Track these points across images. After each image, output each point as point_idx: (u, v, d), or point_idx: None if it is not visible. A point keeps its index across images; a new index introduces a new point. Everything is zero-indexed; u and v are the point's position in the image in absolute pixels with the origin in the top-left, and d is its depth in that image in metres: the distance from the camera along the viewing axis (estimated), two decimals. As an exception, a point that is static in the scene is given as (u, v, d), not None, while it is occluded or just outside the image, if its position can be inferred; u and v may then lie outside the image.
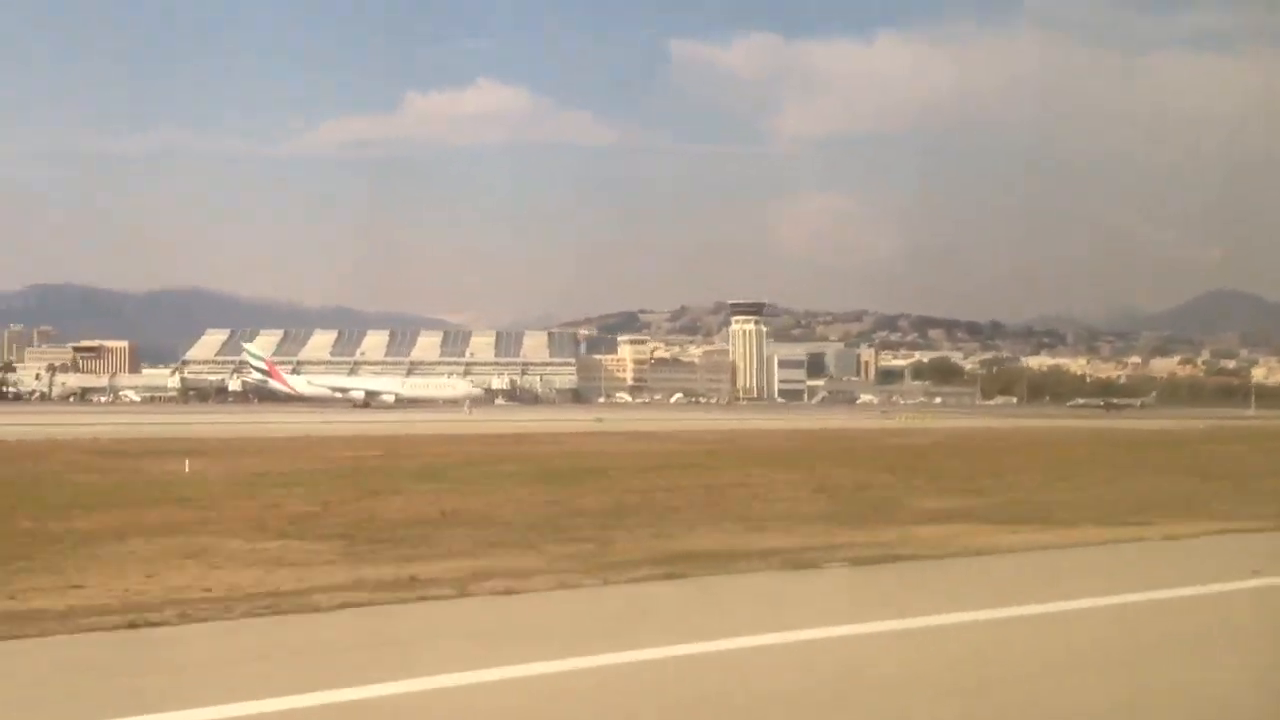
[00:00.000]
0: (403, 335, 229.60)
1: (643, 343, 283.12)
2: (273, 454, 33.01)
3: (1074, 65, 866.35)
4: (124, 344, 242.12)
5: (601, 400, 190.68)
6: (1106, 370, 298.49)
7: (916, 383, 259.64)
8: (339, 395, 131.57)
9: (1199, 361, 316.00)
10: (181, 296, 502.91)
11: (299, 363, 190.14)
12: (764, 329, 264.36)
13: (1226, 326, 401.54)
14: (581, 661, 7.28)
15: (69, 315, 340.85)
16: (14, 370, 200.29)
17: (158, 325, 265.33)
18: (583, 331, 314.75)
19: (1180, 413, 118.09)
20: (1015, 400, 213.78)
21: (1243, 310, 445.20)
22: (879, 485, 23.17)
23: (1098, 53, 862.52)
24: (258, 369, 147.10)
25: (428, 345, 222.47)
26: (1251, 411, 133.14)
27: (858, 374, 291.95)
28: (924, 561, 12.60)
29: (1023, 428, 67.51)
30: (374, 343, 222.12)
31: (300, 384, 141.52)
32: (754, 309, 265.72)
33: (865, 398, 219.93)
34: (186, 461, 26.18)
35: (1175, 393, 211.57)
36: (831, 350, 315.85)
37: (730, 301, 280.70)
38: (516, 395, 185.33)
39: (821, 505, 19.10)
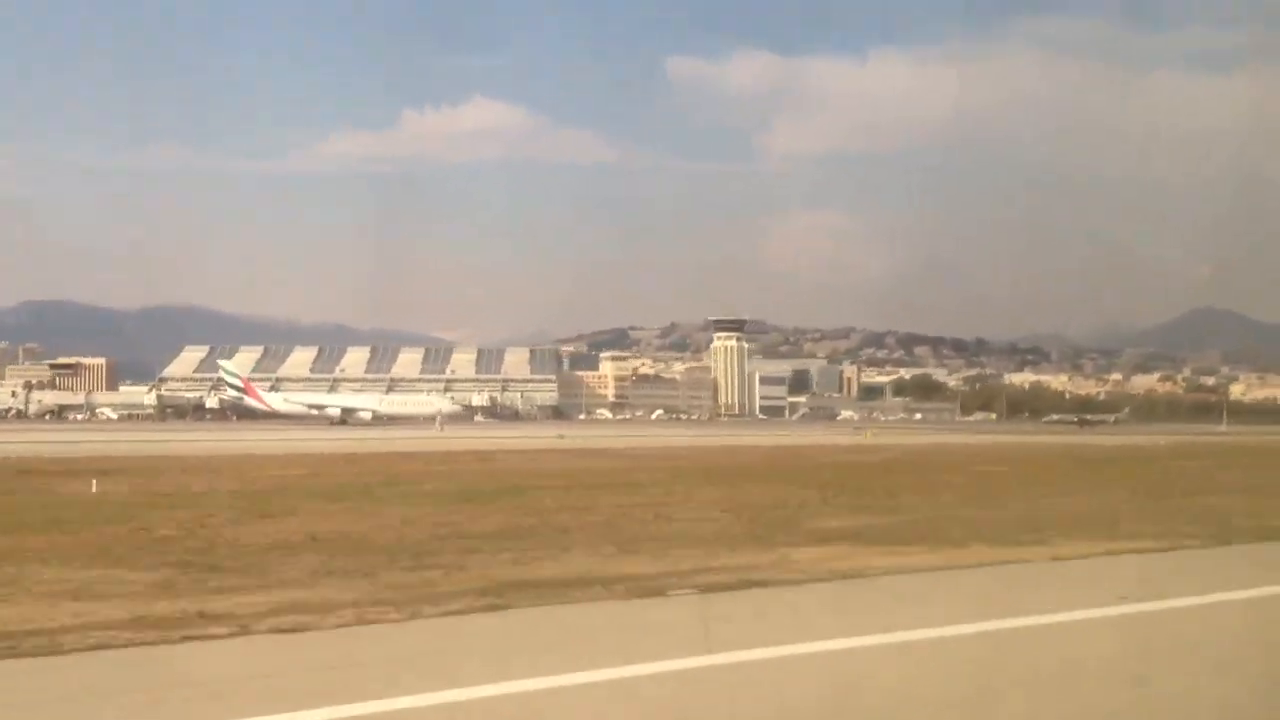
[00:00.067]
0: (384, 352, 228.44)
1: (624, 359, 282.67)
2: (199, 473, 32.23)
3: (1068, 84, 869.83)
4: (102, 361, 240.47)
5: (582, 417, 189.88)
6: (1088, 387, 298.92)
7: (897, 399, 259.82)
8: (315, 412, 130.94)
9: (1179, 379, 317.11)
10: (177, 313, 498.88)
11: (278, 380, 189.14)
12: (745, 345, 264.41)
13: (1211, 344, 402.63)
14: (306, 715, 6.65)
15: (63, 332, 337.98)
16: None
17: (154, 342, 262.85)
18: (567, 348, 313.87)
19: (1151, 429, 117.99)
20: (994, 416, 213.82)
21: (1228, 328, 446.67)
22: (794, 504, 22.56)
23: (1091, 71, 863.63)
24: (233, 386, 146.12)
25: (408, 362, 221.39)
26: (1223, 427, 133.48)
27: (840, 390, 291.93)
28: (779, 588, 12.00)
29: (986, 443, 67.12)
30: (354, 359, 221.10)
31: (276, 401, 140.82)
32: (736, 325, 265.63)
33: (846, 414, 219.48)
34: (94, 482, 25.51)
35: (1152, 409, 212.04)
36: (815, 367, 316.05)
37: (712, 318, 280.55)
38: (496, 412, 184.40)
39: (721, 526, 18.50)
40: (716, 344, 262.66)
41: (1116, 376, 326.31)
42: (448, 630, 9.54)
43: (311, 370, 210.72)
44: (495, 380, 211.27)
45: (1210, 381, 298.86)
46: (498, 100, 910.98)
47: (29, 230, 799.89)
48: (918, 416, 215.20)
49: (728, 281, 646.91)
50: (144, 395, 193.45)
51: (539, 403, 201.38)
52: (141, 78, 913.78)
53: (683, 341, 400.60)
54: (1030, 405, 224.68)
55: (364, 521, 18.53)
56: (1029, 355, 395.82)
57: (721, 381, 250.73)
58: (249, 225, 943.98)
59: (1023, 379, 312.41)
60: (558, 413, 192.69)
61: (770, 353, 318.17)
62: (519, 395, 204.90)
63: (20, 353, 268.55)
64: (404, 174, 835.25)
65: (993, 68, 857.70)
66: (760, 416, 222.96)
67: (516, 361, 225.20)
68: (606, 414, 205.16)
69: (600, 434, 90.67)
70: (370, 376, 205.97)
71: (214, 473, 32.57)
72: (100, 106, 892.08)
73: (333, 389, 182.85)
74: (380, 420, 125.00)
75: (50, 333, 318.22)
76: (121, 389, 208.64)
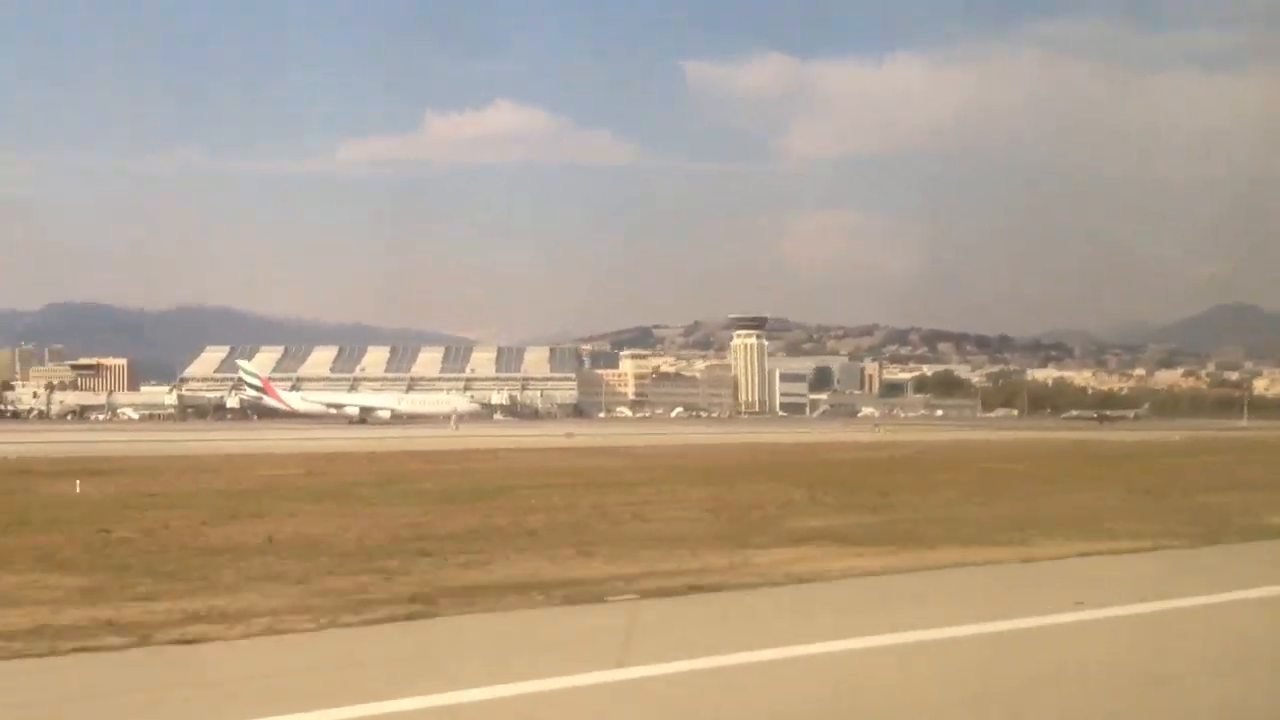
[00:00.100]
0: (404, 351, 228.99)
1: (645, 357, 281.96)
2: (196, 473, 32.02)
3: (1081, 85, 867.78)
4: (124, 361, 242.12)
5: (602, 415, 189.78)
6: (1111, 383, 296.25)
7: (919, 396, 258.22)
8: (334, 411, 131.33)
9: (1203, 374, 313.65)
10: (201, 314, 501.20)
11: (299, 379, 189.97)
12: (765, 343, 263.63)
13: (1233, 339, 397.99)
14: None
15: (89, 333, 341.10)
16: (12, 389, 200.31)
17: (178, 343, 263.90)
18: (587, 347, 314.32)
19: (1172, 424, 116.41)
20: (1015, 413, 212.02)
21: (1252, 323, 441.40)
22: (779, 503, 22.06)
23: (1104, 73, 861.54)
24: (253, 386, 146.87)
25: (428, 361, 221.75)
26: (1244, 422, 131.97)
27: (862, 388, 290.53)
28: (727, 592, 11.56)
29: (1003, 439, 66.31)
30: (375, 359, 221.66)
31: (295, 400, 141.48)
32: (756, 323, 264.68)
33: (867, 411, 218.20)
34: (78, 483, 25.36)
35: (1175, 404, 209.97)
36: (838, 364, 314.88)
37: (732, 316, 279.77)
38: (516, 411, 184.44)
39: (696, 526, 18.05)
40: (736, 342, 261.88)
41: (1140, 372, 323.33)
42: (354, 641, 9.12)
43: (332, 370, 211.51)
44: (515, 379, 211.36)
45: (1234, 377, 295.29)
46: (520, 103, 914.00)
47: (55, 234, 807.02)
48: (939, 413, 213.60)
49: (750, 280, 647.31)
50: (165, 395, 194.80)
51: (559, 401, 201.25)
52: (166, 82, 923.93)
53: (706, 340, 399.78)
54: (1052, 401, 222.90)
55: (331, 523, 18.17)
56: (1052, 351, 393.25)
57: (741, 379, 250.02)
58: (273, 227, 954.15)
59: (1046, 375, 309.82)
60: (578, 411, 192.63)
61: (794, 350, 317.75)
62: (539, 394, 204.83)
63: (46, 354, 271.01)
64: (426, 176, 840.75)
65: (1006, 67, 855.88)
66: (781, 414, 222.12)
67: (536, 360, 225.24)
68: (626, 412, 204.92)
69: (613, 432, 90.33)
70: (390, 376, 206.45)
71: (211, 472, 32.40)
72: (126, 110, 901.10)
73: (353, 388, 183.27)
74: (399, 419, 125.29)
75: (75, 335, 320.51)
76: (143, 389, 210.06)
